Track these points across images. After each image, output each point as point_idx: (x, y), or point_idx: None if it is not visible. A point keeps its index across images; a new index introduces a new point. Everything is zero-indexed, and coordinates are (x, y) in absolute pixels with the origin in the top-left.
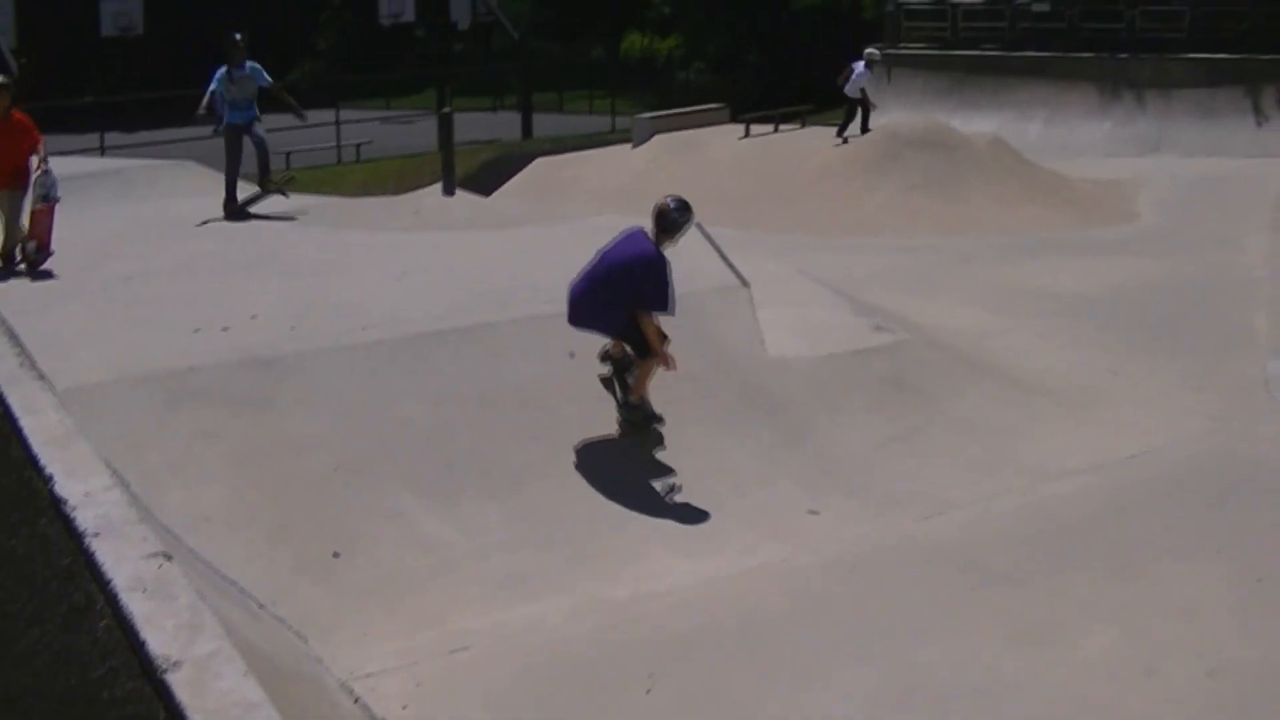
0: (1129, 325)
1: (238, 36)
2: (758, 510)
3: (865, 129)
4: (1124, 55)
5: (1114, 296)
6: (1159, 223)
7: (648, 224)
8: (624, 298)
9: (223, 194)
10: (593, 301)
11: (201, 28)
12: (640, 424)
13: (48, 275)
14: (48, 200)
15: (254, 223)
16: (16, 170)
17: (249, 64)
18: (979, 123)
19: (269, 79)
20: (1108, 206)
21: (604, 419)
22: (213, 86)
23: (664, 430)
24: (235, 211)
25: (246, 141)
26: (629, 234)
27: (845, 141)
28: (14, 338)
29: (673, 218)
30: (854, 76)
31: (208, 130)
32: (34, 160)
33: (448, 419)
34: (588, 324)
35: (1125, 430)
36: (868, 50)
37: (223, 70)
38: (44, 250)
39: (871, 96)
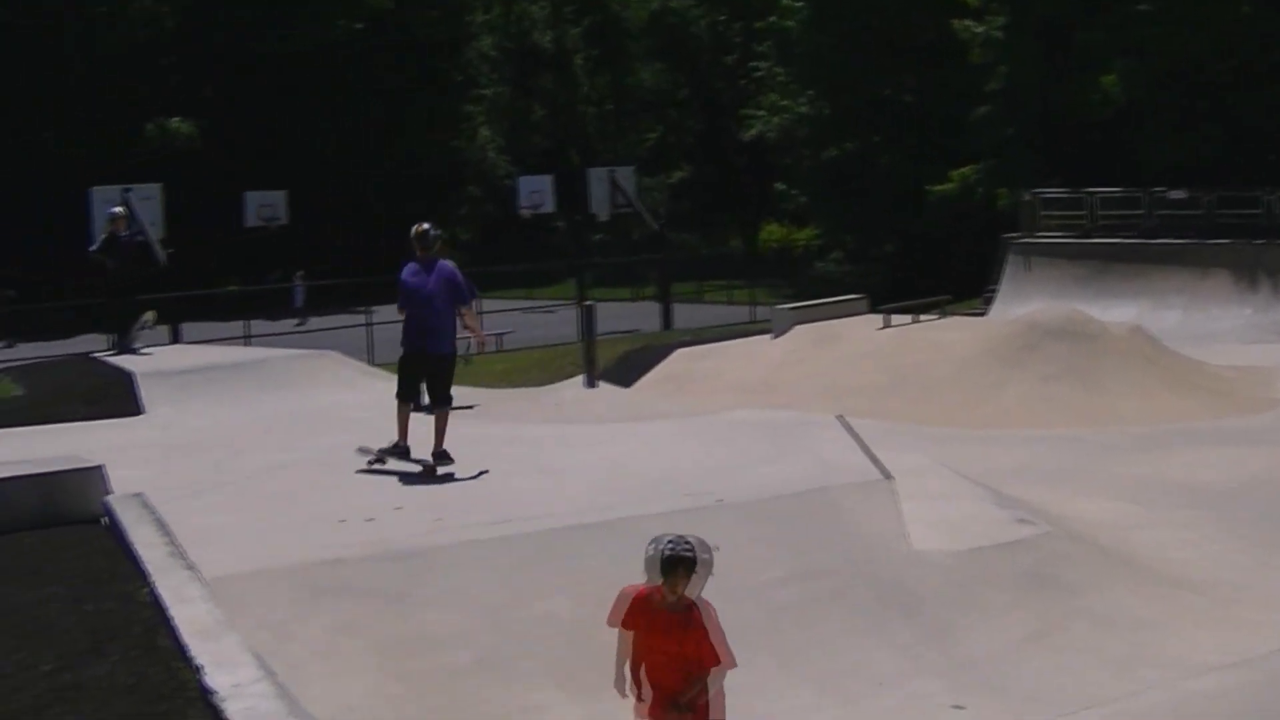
0: (1273, 516)
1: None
2: (898, 708)
3: None
4: (1261, 241)
5: (1257, 487)
6: None
7: None
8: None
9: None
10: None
11: (342, 219)
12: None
13: None
14: None
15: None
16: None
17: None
18: (1117, 311)
19: None
20: (1249, 394)
21: (746, 614)
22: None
23: (798, 626)
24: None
25: None
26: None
27: None
28: (164, 527)
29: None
30: None
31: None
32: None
33: (589, 613)
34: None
35: (1270, 625)
36: None
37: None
38: None
39: None
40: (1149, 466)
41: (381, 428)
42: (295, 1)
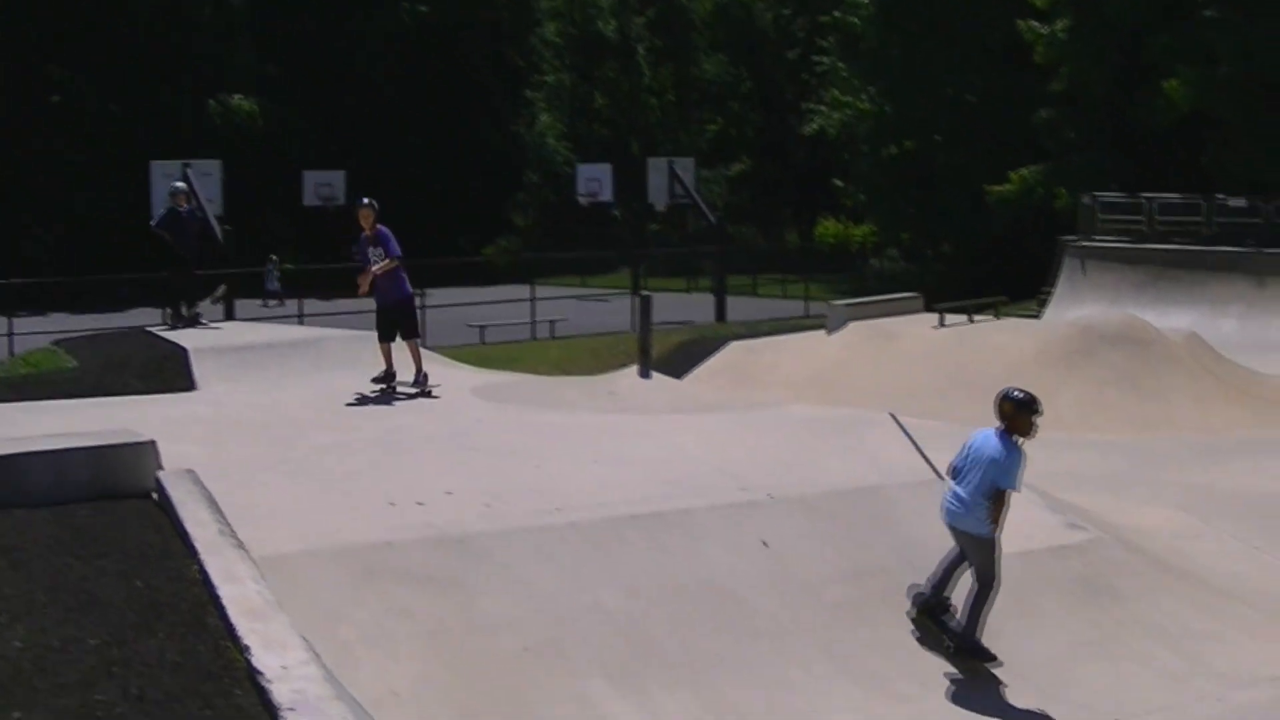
0: None
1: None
2: (947, 709)
3: None
4: None
5: None
6: None
7: None
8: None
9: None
10: None
11: (398, 199)
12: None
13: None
14: None
15: (450, 399)
16: None
17: None
18: (1174, 318)
19: None
20: None
21: (798, 611)
22: None
23: (849, 624)
24: None
25: None
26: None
27: None
28: (214, 506)
29: None
30: None
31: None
32: None
33: (640, 605)
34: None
35: None
36: None
37: None
38: None
39: None
40: (1204, 475)
41: (436, 408)
42: None
